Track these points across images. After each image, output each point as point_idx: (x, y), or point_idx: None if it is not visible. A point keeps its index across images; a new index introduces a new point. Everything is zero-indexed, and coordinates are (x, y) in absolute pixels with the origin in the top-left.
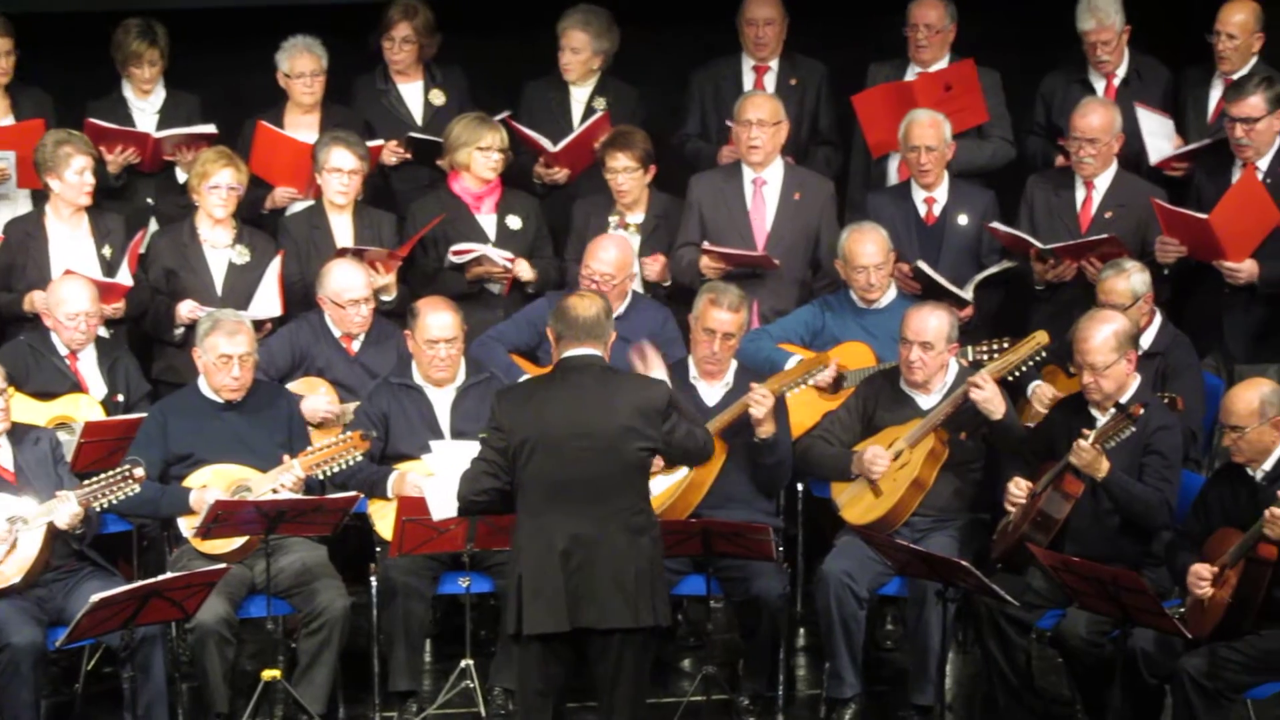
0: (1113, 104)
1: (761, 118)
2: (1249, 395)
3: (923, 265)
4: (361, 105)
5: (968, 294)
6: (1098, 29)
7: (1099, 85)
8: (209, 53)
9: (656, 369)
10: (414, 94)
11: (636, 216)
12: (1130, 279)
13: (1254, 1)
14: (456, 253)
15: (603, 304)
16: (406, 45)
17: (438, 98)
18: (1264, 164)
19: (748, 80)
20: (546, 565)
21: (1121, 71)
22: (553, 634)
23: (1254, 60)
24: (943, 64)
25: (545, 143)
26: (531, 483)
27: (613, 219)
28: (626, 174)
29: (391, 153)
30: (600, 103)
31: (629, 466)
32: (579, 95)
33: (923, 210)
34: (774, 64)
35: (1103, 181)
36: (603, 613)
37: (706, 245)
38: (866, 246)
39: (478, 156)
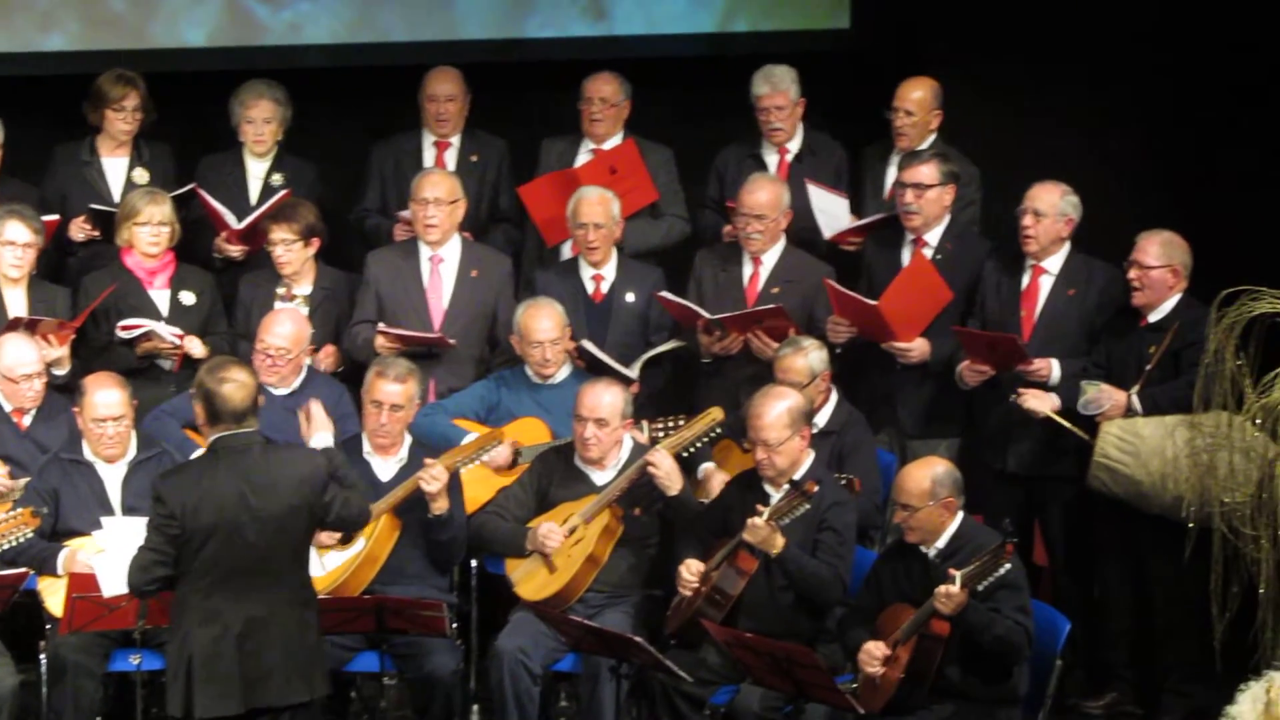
0: (781, 181)
1: (438, 196)
2: (921, 475)
3: (586, 344)
4: (61, 176)
5: (633, 372)
6: (771, 94)
7: (771, 161)
8: None
9: (321, 428)
10: (117, 169)
11: (304, 289)
12: (808, 356)
13: (933, 79)
14: (124, 328)
15: (254, 379)
16: (137, 115)
17: (141, 176)
18: (933, 238)
19: (428, 156)
20: (221, 649)
21: (795, 147)
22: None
23: (932, 137)
24: (617, 139)
25: (230, 219)
26: (203, 567)
27: (280, 290)
28: (284, 246)
29: (79, 228)
30: (278, 178)
31: (298, 543)
32: (256, 170)
33: (591, 287)
34: (455, 140)
35: (770, 257)
36: (281, 690)
37: (382, 327)
38: (542, 322)
39: (138, 231)
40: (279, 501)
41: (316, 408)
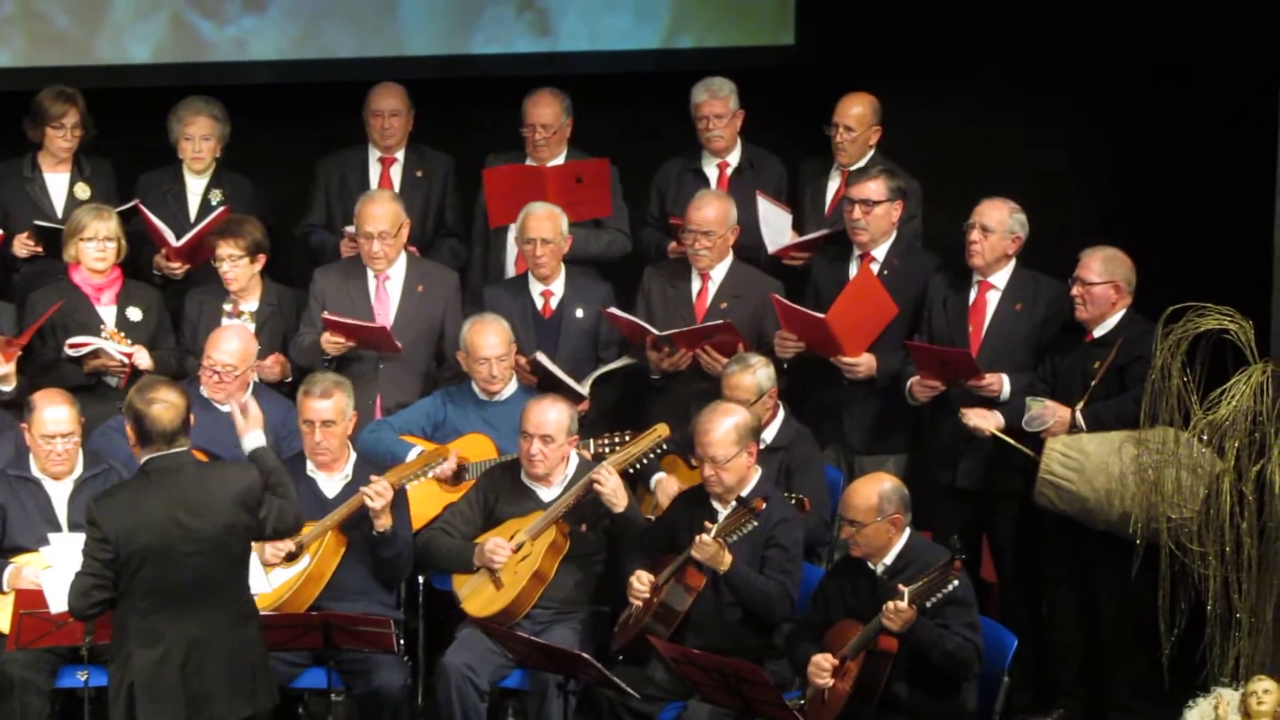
0: (728, 196)
1: (382, 230)
2: (867, 491)
3: (540, 358)
4: (3, 193)
5: (584, 389)
6: (709, 100)
7: (712, 175)
8: None
9: (255, 425)
10: (59, 185)
11: (250, 304)
12: (756, 374)
13: (871, 95)
14: (72, 346)
15: (184, 399)
16: (76, 131)
17: (83, 191)
18: (880, 254)
19: (374, 171)
20: (163, 670)
21: (734, 160)
22: None
23: (871, 153)
24: (560, 159)
25: (169, 235)
26: (141, 589)
27: (227, 306)
28: (231, 262)
29: (22, 245)
30: (216, 195)
31: (235, 561)
32: (195, 187)
33: (540, 303)
34: (400, 155)
35: (718, 273)
36: (228, 707)
37: (327, 315)
38: (488, 338)
39: (84, 247)
40: (214, 520)
41: (251, 402)
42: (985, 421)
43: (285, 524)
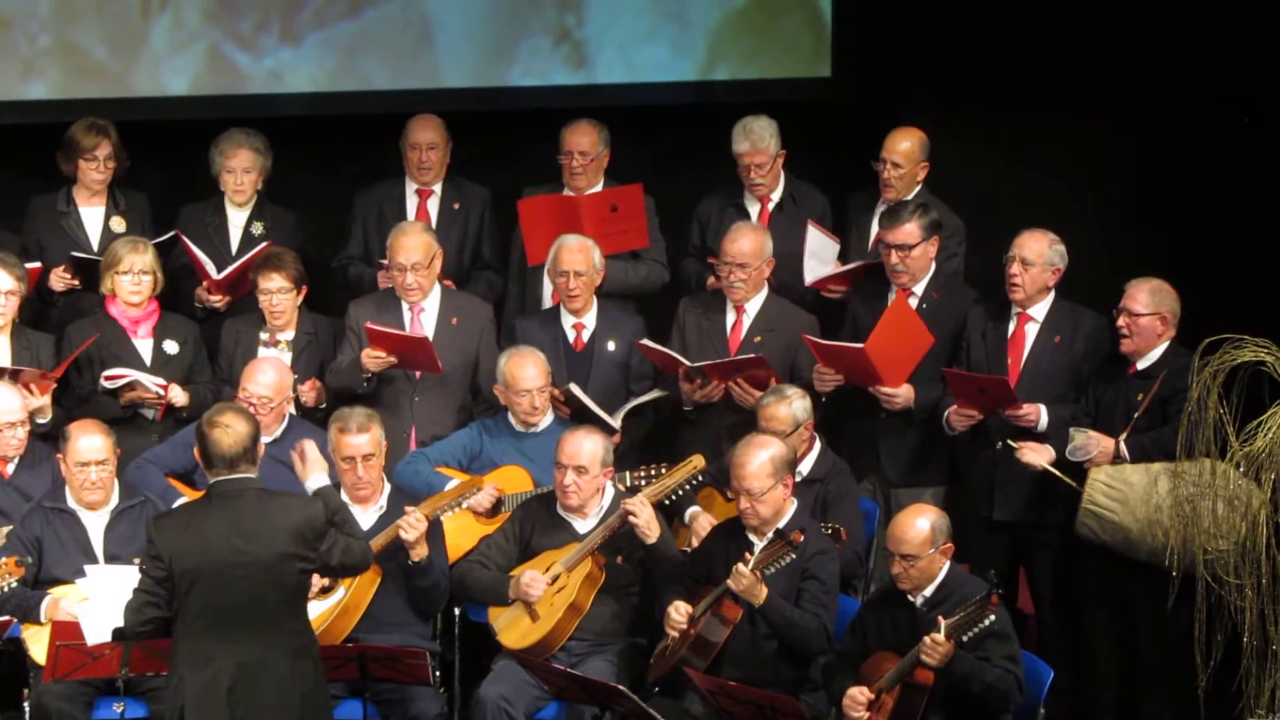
0: (763, 229)
1: (415, 261)
2: (920, 524)
3: (574, 388)
4: (39, 226)
5: (616, 421)
6: (751, 151)
7: (753, 209)
8: None
9: (316, 468)
10: (95, 218)
11: (288, 334)
12: (791, 405)
13: (919, 130)
14: (108, 378)
15: (248, 428)
16: (110, 163)
17: (118, 225)
18: (919, 289)
19: (411, 204)
20: (211, 696)
21: (776, 195)
22: None
23: (919, 188)
24: (597, 189)
25: (210, 267)
26: (193, 610)
27: (264, 336)
28: (281, 294)
29: (59, 278)
30: (258, 227)
31: (290, 590)
32: (236, 219)
33: (571, 335)
34: (437, 188)
35: (753, 306)
36: None
37: (370, 324)
38: (527, 370)
39: (119, 280)
40: (270, 548)
41: (310, 447)
42: (1039, 457)
43: (353, 559)
